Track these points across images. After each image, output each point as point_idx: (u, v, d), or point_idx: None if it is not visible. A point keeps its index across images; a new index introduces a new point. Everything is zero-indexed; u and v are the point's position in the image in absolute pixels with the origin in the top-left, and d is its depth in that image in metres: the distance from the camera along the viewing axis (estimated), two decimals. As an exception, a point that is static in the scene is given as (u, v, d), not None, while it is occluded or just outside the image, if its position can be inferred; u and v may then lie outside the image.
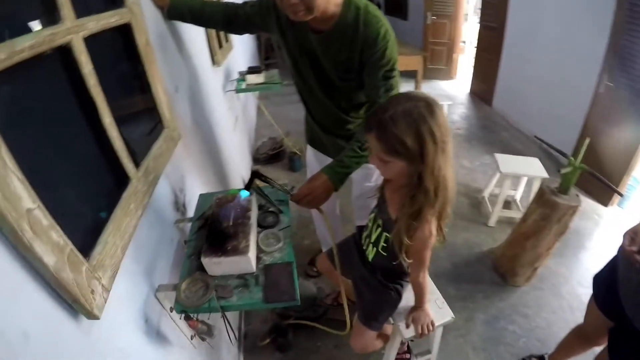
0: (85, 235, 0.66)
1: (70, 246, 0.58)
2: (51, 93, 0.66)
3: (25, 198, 0.50)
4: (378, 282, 1.22)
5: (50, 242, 0.53)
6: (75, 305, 0.58)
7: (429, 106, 0.85)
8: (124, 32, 0.95)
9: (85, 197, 0.72)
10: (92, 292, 0.61)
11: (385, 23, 1.09)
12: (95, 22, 0.77)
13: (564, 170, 1.72)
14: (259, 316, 1.89)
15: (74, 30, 0.68)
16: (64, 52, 0.67)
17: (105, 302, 0.65)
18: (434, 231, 1.00)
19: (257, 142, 3.61)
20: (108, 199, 0.77)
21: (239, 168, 2.57)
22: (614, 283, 1.08)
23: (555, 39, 3.18)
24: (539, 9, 3.35)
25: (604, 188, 2.61)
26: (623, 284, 1.02)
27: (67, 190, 0.66)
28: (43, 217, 0.53)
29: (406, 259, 1.03)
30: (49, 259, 0.52)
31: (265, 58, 5.96)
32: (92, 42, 0.75)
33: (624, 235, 0.98)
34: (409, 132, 0.84)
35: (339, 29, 1.09)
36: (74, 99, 0.71)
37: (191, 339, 1.05)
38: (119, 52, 0.95)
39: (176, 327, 1.00)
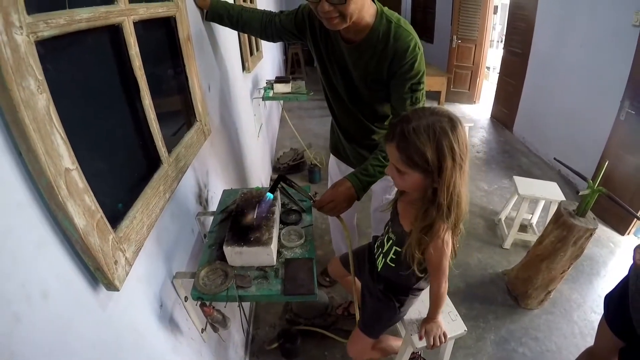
0: (115, 207, 0.67)
1: (100, 213, 0.58)
2: (99, 67, 0.69)
3: (66, 157, 0.51)
4: (380, 292, 1.22)
5: (83, 205, 0.54)
6: (97, 274, 0.58)
7: (451, 122, 0.86)
8: (168, 25, 0.99)
9: (118, 171, 0.74)
10: (116, 262, 0.61)
11: (415, 37, 1.10)
12: (145, 9, 0.81)
13: (582, 192, 1.72)
14: (268, 321, 1.87)
15: (127, 13, 0.72)
16: (115, 32, 0.70)
17: (127, 276, 0.64)
18: (449, 241, 0.98)
19: (278, 152, 3.66)
20: (139, 177, 0.78)
21: (259, 174, 2.59)
22: (625, 302, 1.06)
23: (578, 66, 3.18)
24: (563, 36, 3.36)
25: (621, 216, 2.59)
26: (634, 300, 0.99)
27: (103, 161, 0.67)
28: (79, 180, 0.54)
29: (418, 272, 1.03)
30: (80, 220, 0.53)
31: (291, 72, 6.13)
32: (140, 27, 0.79)
33: (635, 250, 0.96)
34: (429, 145, 0.84)
35: (370, 40, 1.11)
36: (119, 76, 0.73)
37: (202, 332, 1.03)
38: (162, 42, 0.98)
39: (188, 317, 0.99)
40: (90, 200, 0.56)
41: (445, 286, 1.11)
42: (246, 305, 1.74)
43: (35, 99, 0.46)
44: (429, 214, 0.92)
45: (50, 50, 0.52)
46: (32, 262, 0.47)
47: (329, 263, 1.62)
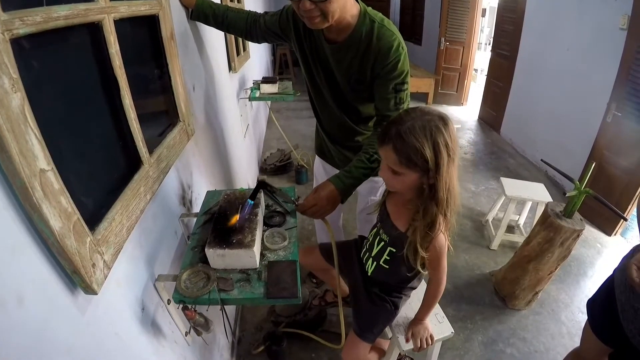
0: (93, 209, 0.66)
1: (77, 215, 0.57)
2: (78, 65, 0.67)
3: (41, 158, 0.50)
4: (375, 294, 1.23)
5: (59, 207, 0.53)
6: (74, 277, 0.57)
7: (443, 120, 0.90)
8: (151, 23, 0.98)
9: (97, 172, 0.72)
10: (94, 265, 0.60)
11: (398, 36, 1.11)
12: (127, 7, 0.79)
13: (569, 194, 1.74)
14: (254, 323, 1.86)
15: (107, 11, 0.70)
16: (95, 30, 0.69)
17: (105, 279, 0.63)
18: (446, 239, 1.03)
19: (265, 153, 3.65)
20: (119, 178, 0.77)
21: (246, 175, 2.58)
22: (611, 308, 1.04)
23: (565, 69, 3.24)
24: (550, 39, 3.42)
25: (608, 217, 2.64)
26: (624, 310, 0.98)
27: (80, 162, 0.66)
28: (55, 181, 0.53)
29: (421, 269, 1.05)
30: (55, 223, 0.51)
31: (279, 73, 6.11)
32: (121, 26, 0.78)
33: (629, 267, 0.90)
34: (427, 144, 0.87)
35: (353, 40, 1.11)
36: (99, 76, 0.72)
37: (185, 335, 1.02)
38: (144, 40, 0.97)
39: (172, 321, 0.98)
40: (66, 201, 0.55)
41: (444, 284, 1.13)
42: (231, 307, 1.73)
43: (9, 97, 0.45)
44: (430, 210, 0.95)
45: (26, 49, 0.51)
46: (6, 265, 0.46)
47: (302, 252, 1.47)
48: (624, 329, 0.97)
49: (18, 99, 0.47)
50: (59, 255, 0.54)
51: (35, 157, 0.49)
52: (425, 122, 0.87)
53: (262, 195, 1.10)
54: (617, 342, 1.05)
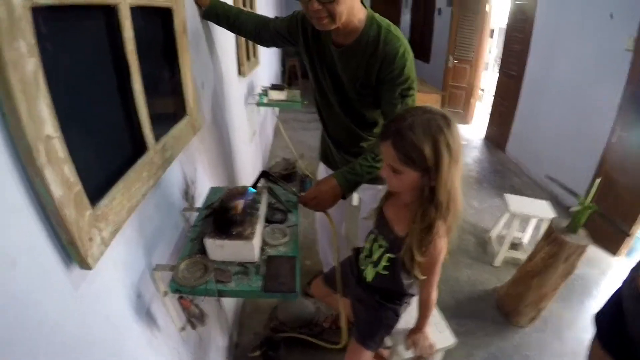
0: (95, 185, 0.65)
1: (79, 186, 0.57)
2: (93, 45, 0.69)
3: (48, 124, 0.50)
4: (375, 301, 1.20)
5: (61, 175, 0.53)
6: (70, 248, 0.56)
7: (446, 119, 0.88)
8: (165, 15, 1.00)
9: (103, 150, 0.73)
10: (90, 239, 0.59)
11: (404, 43, 1.12)
12: (143, -5, 0.82)
13: (573, 209, 1.73)
14: (252, 328, 1.82)
15: (123, -5, 0.72)
16: (111, 13, 0.71)
17: (101, 255, 0.62)
18: (445, 245, 0.98)
19: (270, 161, 3.66)
20: (124, 160, 0.77)
21: (250, 180, 2.57)
22: (619, 320, 1.00)
23: (571, 89, 3.25)
24: (557, 59, 3.44)
25: (613, 238, 2.60)
26: (634, 322, 0.95)
27: (88, 137, 0.66)
28: (60, 149, 0.53)
29: (419, 275, 1.02)
30: (56, 190, 0.51)
31: (288, 84, 6.19)
32: (137, 13, 0.79)
33: (638, 277, 0.90)
34: (427, 142, 0.85)
35: (359, 44, 1.13)
36: (111, 58, 0.73)
37: (180, 331, 1.00)
38: (157, 31, 0.99)
39: (167, 313, 0.96)
40: (69, 171, 0.55)
41: (434, 293, 1.09)
42: (230, 310, 1.70)
43: (24, 61, 0.46)
44: (428, 213, 0.92)
45: (45, 19, 0.52)
46: (3, 226, 0.46)
47: (313, 285, 1.58)
48: (633, 341, 0.94)
49: (32, 64, 0.48)
50: (57, 224, 0.53)
51: (43, 121, 0.49)
52: (425, 120, 0.86)
53: (264, 194, 1.10)
54: (625, 356, 1.01)
